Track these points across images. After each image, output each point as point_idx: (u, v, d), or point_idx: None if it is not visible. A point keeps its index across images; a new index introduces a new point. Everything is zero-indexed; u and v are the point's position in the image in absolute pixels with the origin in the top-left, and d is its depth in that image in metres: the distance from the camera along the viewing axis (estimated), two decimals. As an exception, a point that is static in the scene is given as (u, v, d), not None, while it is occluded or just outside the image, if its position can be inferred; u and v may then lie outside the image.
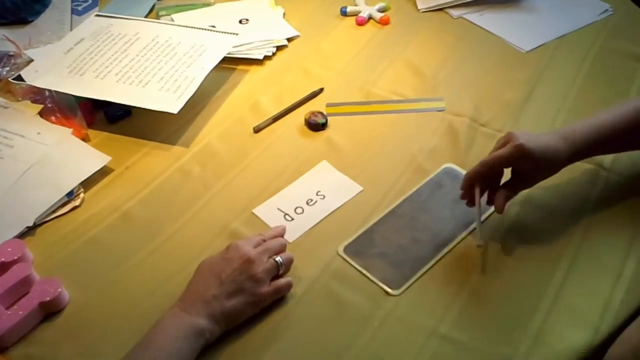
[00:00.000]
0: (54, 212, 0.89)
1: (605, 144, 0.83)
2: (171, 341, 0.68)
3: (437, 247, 0.82)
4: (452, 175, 0.92)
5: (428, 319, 0.75)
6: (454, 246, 0.82)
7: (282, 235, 0.84)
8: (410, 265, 0.80)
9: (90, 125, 1.02)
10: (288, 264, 0.79)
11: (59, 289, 0.77)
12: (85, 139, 1.00)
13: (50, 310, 0.77)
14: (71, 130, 0.98)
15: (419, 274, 0.79)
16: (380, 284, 0.78)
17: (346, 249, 0.82)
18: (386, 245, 0.83)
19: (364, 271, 0.80)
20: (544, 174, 0.81)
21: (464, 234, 0.84)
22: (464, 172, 0.92)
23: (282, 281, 0.77)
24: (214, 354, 0.72)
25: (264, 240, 0.80)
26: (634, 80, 1.07)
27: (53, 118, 1.00)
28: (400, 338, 0.73)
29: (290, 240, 0.84)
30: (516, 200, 0.87)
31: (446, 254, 0.82)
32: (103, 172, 0.94)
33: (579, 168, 0.89)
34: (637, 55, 1.12)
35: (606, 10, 1.23)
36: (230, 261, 0.75)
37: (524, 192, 0.84)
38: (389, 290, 0.78)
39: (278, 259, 0.77)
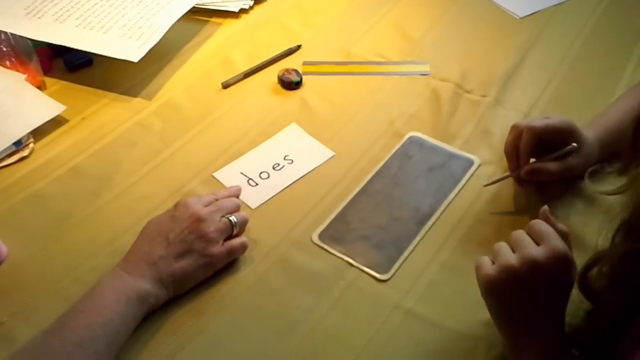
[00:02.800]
0: (-1, 161, 0.83)
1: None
2: (110, 305, 0.62)
3: (420, 223, 0.76)
4: (419, 144, 0.86)
5: (393, 292, 0.69)
6: (437, 218, 0.76)
7: (237, 196, 0.77)
8: (394, 245, 0.73)
9: (48, 72, 0.96)
10: (242, 224, 0.72)
11: (-5, 243, 0.71)
12: (41, 86, 0.93)
13: (-16, 266, 0.71)
14: (26, 76, 0.92)
15: (406, 254, 0.73)
16: (367, 270, 0.71)
17: (322, 236, 0.75)
18: (364, 227, 0.76)
19: (346, 258, 0.72)
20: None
21: (444, 205, 0.78)
22: (432, 140, 0.86)
23: (236, 241, 0.71)
24: (158, 320, 0.66)
25: (217, 200, 0.73)
26: (632, 54, 1.00)
27: (7, 63, 0.93)
28: (361, 310, 0.68)
29: (253, 207, 0.78)
30: (497, 174, 0.81)
31: (430, 228, 0.75)
32: (57, 123, 0.88)
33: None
34: (636, 28, 1.05)
35: (608, -21, 1.15)
36: (178, 220, 0.68)
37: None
38: (377, 275, 0.70)
39: (232, 218, 0.71)
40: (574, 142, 0.73)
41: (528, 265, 0.56)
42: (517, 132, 0.75)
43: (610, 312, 0.54)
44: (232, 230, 0.71)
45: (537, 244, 0.58)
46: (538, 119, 0.75)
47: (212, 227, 0.68)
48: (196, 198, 0.72)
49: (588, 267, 0.56)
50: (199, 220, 0.68)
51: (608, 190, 0.57)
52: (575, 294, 0.58)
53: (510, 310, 0.59)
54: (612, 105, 0.83)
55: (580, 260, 0.57)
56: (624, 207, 0.52)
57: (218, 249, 0.69)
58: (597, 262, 0.55)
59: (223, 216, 0.71)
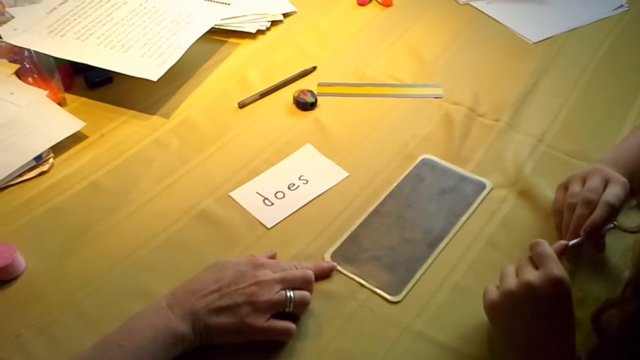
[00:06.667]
0: (20, 176, 0.84)
1: None
2: (147, 345, 0.60)
3: (431, 245, 0.76)
4: (430, 166, 0.87)
5: (403, 313, 0.70)
6: (449, 241, 0.77)
7: (327, 273, 0.73)
8: (406, 267, 0.74)
9: (69, 89, 0.98)
10: (298, 302, 0.67)
11: (13, 256, 0.73)
12: (61, 103, 0.95)
13: (2, 278, 0.73)
14: (47, 92, 0.94)
15: (417, 276, 0.73)
16: (378, 291, 0.71)
17: (334, 256, 0.75)
18: (376, 248, 0.76)
19: (358, 279, 0.73)
20: None
21: (456, 228, 0.78)
22: (444, 163, 0.87)
23: (280, 324, 0.66)
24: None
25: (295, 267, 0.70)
26: (645, 81, 1.01)
27: (30, 79, 0.96)
28: (371, 331, 0.68)
29: (269, 226, 0.79)
30: (510, 198, 0.82)
31: (442, 251, 0.76)
32: (76, 139, 0.90)
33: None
34: (650, 54, 1.06)
35: (621, 5, 1.17)
36: (241, 275, 0.66)
37: (511, 202, 0.80)
38: (388, 297, 0.71)
39: (290, 293, 0.66)
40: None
41: (525, 290, 0.59)
42: (591, 208, 0.70)
43: (617, 355, 0.55)
44: (285, 307, 0.66)
45: (537, 267, 0.61)
46: (611, 195, 0.70)
47: (266, 296, 0.65)
48: (275, 262, 0.70)
49: (601, 310, 0.57)
50: (257, 284, 0.65)
51: (629, 228, 0.58)
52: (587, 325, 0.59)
53: (513, 334, 0.61)
54: (631, 138, 0.83)
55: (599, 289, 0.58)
56: (631, 263, 0.53)
57: (259, 322, 0.64)
58: (608, 308, 0.56)
59: (284, 289, 0.66)
